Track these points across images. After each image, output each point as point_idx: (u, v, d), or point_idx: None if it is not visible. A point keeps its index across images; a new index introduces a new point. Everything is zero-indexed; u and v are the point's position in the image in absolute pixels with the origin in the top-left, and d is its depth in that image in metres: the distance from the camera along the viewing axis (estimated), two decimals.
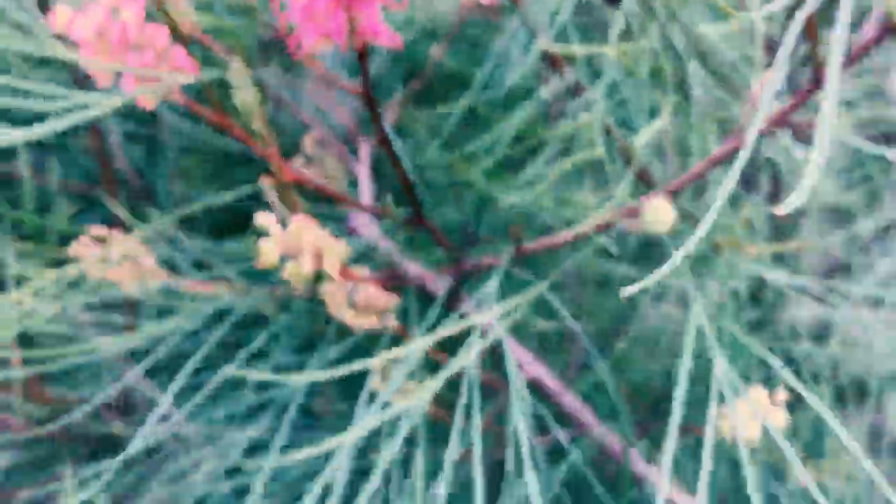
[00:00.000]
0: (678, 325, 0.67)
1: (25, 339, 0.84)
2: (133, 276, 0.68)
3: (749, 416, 0.56)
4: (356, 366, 0.49)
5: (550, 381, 0.68)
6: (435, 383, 0.52)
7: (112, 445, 0.93)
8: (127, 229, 0.70)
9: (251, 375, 0.53)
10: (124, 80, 0.44)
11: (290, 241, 0.46)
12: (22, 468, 0.88)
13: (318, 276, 0.47)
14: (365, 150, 0.71)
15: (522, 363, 0.67)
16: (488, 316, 0.52)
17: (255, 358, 0.71)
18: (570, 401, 0.69)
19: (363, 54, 0.44)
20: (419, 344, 0.51)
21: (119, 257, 0.67)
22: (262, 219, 0.45)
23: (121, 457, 0.62)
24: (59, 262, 0.66)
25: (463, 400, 0.54)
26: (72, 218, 0.74)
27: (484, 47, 0.69)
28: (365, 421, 0.51)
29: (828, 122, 0.27)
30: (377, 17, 0.40)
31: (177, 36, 0.45)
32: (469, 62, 0.71)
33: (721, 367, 0.45)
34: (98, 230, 0.65)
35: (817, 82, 0.44)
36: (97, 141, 0.78)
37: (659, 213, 0.45)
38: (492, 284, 0.52)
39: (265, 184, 0.52)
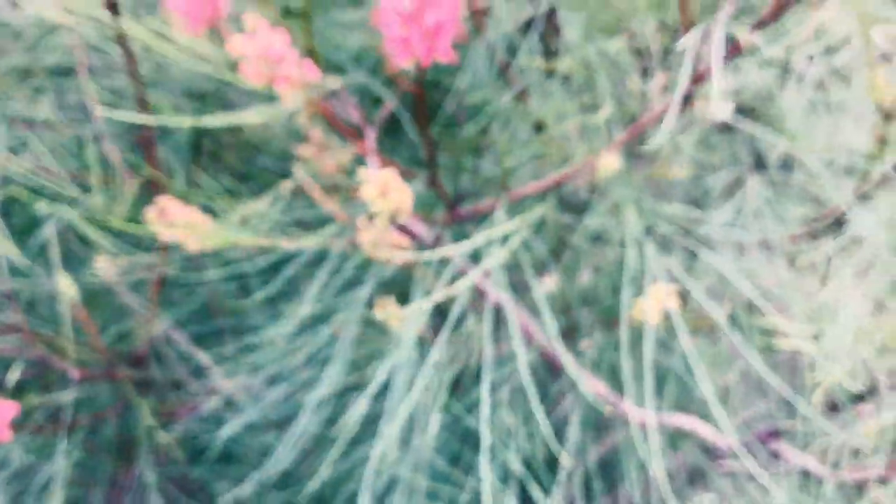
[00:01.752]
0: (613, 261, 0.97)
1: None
2: (195, 235, 0.90)
3: (655, 302, 0.86)
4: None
5: (508, 304, 0.96)
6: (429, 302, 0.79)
7: (147, 388, 1.13)
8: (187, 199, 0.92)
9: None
10: (276, 83, 0.67)
11: (381, 184, 0.70)
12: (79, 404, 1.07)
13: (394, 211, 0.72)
14: (371, 135, 0.96)
15: (488, 293, 0.94)
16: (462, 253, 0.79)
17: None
18: (522, 317, 0.98)
19: (423, 71, 0.70)
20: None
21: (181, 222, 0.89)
22: (363, 174, 0.70)
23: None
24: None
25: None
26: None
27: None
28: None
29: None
30: (449, 45, 0.66)
31: (306, 53, 0.68)
32: (444, 73, 0.98)
33: (651, 251, 0.74)
34: (164, 200, 0.87)
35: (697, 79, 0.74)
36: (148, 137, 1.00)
37: (607, 164, 0.74)
38: (497, 221, 0.79)
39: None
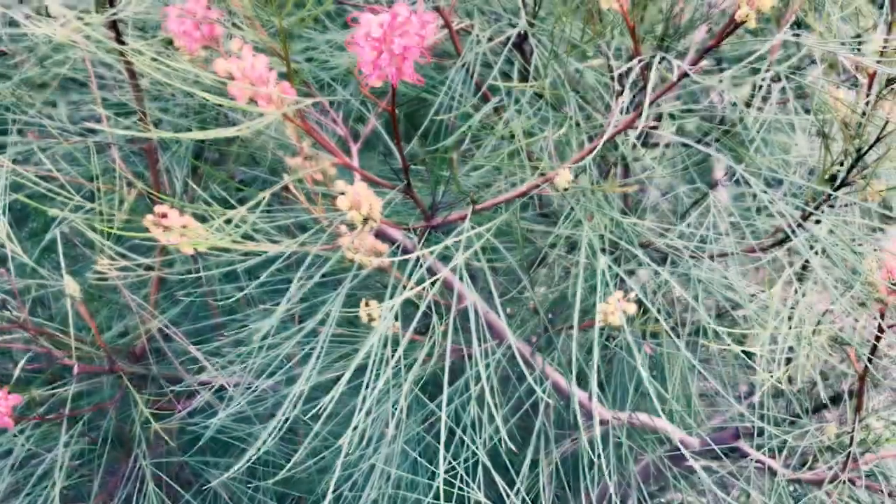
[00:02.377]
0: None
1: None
2: (187, 240, 0.97)
3: (614, 306, 0.92)
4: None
5: (479, 305, 1.03)
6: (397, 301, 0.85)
7: (145, 382, 1.19)
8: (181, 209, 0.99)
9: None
10: (258, 99, 0.74)
11: (354, 197, 0.77)
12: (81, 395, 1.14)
13: (365, 220, 0.79)
14: (354, 148, 1.03)
15: (461, 293, 1.01)
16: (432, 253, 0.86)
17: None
18: (493, 318, 1.04)
19: (395, 87, 0.76)
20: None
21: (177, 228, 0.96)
22: (340, 186, 0.77)
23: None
24: None
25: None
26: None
27: (437, 81, 1.03)
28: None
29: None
30: (412, 67, 0.73)
31: (284, 75, 0.75)
32: (427, 91, 1.05)
33: (603, 262, 0.80)
34: (161, 208, 0.94)
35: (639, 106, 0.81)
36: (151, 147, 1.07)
37: (563, 177, 0.81)
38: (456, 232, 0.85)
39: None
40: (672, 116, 1.12)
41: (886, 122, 0.87)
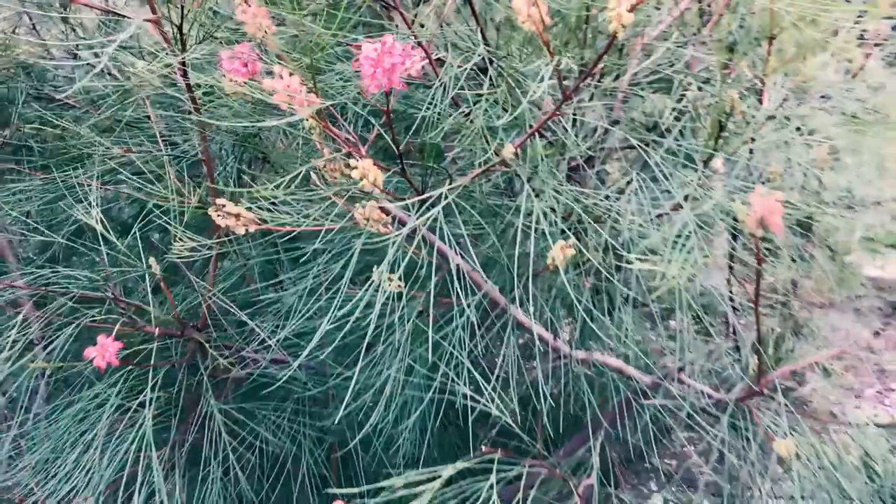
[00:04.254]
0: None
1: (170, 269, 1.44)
2: (242, 223, 1.31)
3: (559, 252, 1.25)
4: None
5: (454, 257, 1.35)
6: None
7: (208, 342, 1.52)
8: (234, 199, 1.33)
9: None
10: (296, 105, 1.08)
11: (364, 169, 1.10)
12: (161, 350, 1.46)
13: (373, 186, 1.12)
14: (362, 147, 1.37)
15: (441, 249, 1.33)
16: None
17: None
18: (468, 268, 1.37)
19: (388, 93, 1.11)
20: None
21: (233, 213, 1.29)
22: (353, 163, 1.11)
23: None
24: None
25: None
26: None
27: (418, 97, 1.38)
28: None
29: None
30: (399, 79, 1.07)
31: (310, 89, 1.10)
32: (414, 104, 1.39)
33: (545, 224, 1.13)
34: (220, 201, 1.28)
35: (566, 97, 1.14)
36: (208, 157, 1.42)
37: (508, 151, 1.14)
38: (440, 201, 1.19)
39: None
40: (616, 122, 1.46)
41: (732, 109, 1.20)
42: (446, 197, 1.18)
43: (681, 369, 1.56)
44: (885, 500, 1.46)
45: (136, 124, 1.65)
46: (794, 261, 1.74)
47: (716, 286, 1.52)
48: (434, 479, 1.06)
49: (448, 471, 1.03)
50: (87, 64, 1.92)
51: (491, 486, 1.13)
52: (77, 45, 1.61)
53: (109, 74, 1.74)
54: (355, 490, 1.02)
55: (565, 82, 1.26)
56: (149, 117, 1.59)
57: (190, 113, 1.41)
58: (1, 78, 1.90)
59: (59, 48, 2.16)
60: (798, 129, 1.49)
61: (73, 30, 2.05)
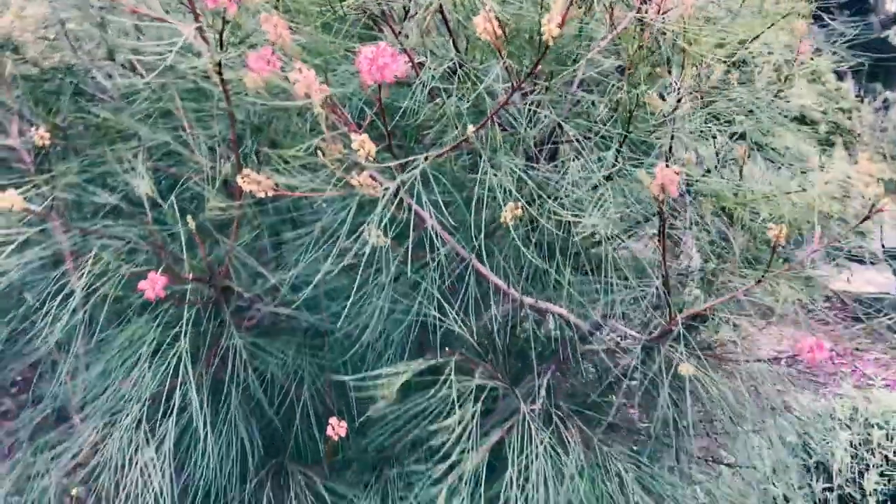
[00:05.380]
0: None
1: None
2: (262, 188, 1.67)
3: (508, 212, 1.62)
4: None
5: (429, 219, 1.72)
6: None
7: (230, 288, 1.88)
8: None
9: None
10: (313, 94, 1.44)
11: (360, 141, 1.47)
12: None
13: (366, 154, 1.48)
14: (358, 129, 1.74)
15: (418, 212, 1.70)
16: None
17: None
18: (436, 225, 1.74)
19: (380, 86, 1.48)
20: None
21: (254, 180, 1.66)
22: (352, 138, 1.47)
23: None
24: None
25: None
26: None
27: (403, 92, 1.76)
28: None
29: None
30: (390, 75, 1.44)
31: (322, 80, 1.46)
32: (398, 98, 1.77)
33: (499, 193, 1.50)
34: (245, 171, 1.65)
35: (514, 89, 1.52)
36: (235, 138, 1.78)
37: (470, 131, 1.52)
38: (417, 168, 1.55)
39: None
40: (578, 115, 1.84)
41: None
42: (425, 160, 1.55)
43: (609, 315, 1.93)
44: (768, 419, 1.85)
45: (170, 115, 2.02)
46: (712, 243, 2.13)
47: (639, 250, 1.90)
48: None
49: (418, 363, 1.40)
50: (121, 66, 2.28)
51: (449, 385, 1.50)
52: (135, 50, 1.97)
53: (136, 72, 2.10)
54: (351, 377, 1.39)
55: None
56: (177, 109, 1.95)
57: (220, 101, 1.78)
58: (49, 76, 2.27)
59: (97, 50, 2.52)
60: (706, 121, 1.88)
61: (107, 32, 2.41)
